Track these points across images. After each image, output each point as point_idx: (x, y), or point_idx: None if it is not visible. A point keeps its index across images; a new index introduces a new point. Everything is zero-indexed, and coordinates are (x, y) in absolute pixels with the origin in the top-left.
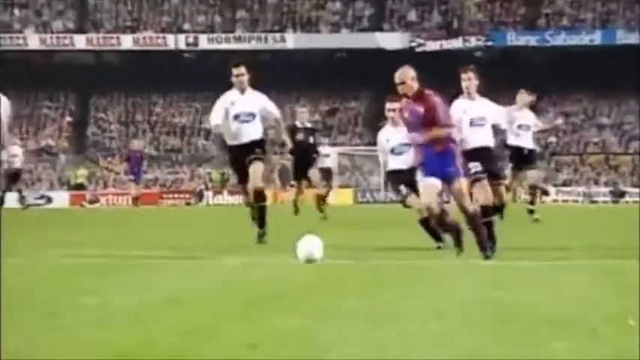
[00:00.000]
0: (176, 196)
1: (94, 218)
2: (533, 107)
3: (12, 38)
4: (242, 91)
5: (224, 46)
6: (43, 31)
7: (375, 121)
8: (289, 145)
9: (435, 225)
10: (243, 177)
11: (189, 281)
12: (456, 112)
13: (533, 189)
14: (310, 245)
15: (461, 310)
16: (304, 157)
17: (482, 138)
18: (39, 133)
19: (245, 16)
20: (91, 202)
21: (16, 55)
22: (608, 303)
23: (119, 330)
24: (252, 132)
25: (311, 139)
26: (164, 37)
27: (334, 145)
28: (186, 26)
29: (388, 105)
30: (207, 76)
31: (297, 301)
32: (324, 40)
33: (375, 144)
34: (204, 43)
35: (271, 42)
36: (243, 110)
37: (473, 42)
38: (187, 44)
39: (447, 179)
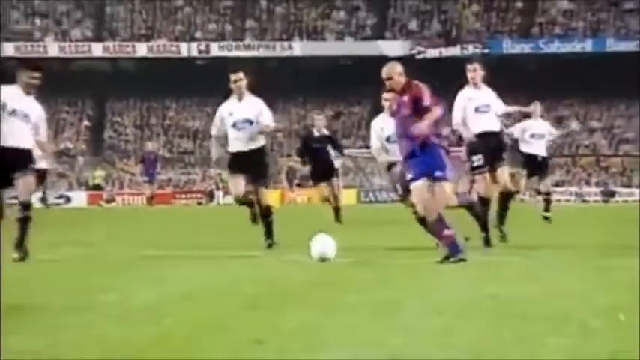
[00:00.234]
0: (188, 196)
1: (110, 217)
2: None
3: (33, 46)
4: (240, 96)
5: (234, 53)
6: (62, 40)
7: None
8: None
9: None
10: (234, 183)
11: (201, 278)
12: (460, 99)
13: (547, 195)
14: (323, 244)
15: (459, 305)
16: (322, 165)
17: (487, 123)
18: (58, 137)
19: (254, 25)
20: (108, 201)
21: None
22: (599, 299)
23: (136, 324)
24: (250, 139)
25: (328, 147)
26: (177, 45)
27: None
28: (198, 35)
29: (385, 95)
30: (218, 82)
31: (302, 297)
32: (329, 47)
33: None
34: (215, 50)
35: (279, 50)
36: (240, 118)
37: (470, 49)
38: (199, 52)
39: (434, 179)
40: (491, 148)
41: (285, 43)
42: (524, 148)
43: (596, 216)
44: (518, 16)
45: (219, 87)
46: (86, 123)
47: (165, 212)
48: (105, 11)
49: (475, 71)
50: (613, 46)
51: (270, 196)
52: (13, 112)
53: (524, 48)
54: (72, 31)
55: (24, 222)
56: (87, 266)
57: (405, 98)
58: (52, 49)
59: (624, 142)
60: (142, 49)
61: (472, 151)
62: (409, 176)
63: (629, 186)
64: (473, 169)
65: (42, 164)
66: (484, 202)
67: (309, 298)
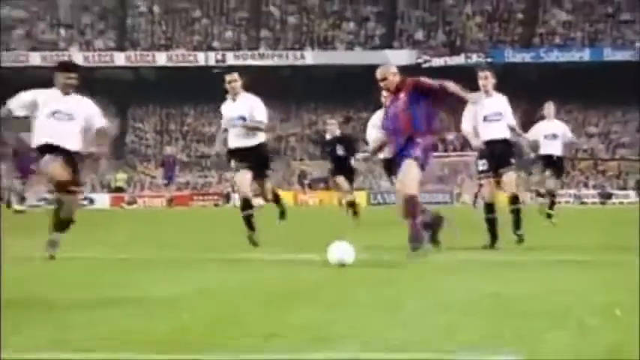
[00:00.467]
0: (205, 198)
1: (132, 218)
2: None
3: (58, 55)
4: (234, 96)
5: (249, 62)
6: (86, 49)
7: None
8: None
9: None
10: (240, 178)
11: (216, 276)
12: (470, 108)
13: (553, 195)
14: (341, 251)
15: (461, 303)
16: (338, 167)
17: (496, 131)
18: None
19: (268, 35)
20: (129, 203)
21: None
22: (596, 297)
23: (155, 319)
24: (247, 136)
25: (340, 150)
26: (195, 55)
27: None
28: (215, 44)
29: (384, 93)
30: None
31: (312, 294)
32: (339, 56)
33: None
34: (231, 59)
35: (292, 59)
36: (235, 115)
37: (474, 58)
38: (216, 61)
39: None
40: (498, 154)
41: (298, 52)
42: (541, 149)
43: (594, 217)
44: (519, 26)
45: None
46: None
47: (183, 213)
48: (126, 22)
49: (486, 79)
50: (610, 55)
51: (284, 197)
52: (55, 113)
53: (525, 57)
54: (95, 41)
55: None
56: (109, 264)
57: (401, 95)
58: (77, 58)
59: (621, 147)
60: (161, 58)
61: (479, 156)
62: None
63: (624, 188)
64: (478, 173)
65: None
66: (488, 206)
67: (318, 295)
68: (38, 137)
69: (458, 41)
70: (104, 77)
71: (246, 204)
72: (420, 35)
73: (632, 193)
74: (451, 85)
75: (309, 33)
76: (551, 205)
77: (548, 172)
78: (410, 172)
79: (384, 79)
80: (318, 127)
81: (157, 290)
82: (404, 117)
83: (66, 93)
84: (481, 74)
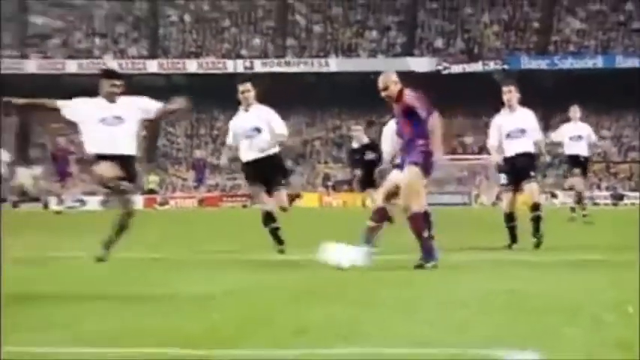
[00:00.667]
0: (234, 199)
1: (164, 219)
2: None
3: (93, 63)
4: (247, 107)
5: (276, 69)
6: (120, 57)
7: None
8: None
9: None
10: (256, 192)
11: (246, 275)
12: (493, 127)
13: (578, 193)
14: (337, 255)
15: (479, 300)
16: (367, 173)
17: (518, 146)
18: None
19: (294, 44)
20: (162, 204)
21: (97, 78)
22: (609, 294)
23: (187, 317)
24: (263, 147)
25: (371, 154)
26: (224, 62)
27: None
28: (243, 52)
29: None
30: (261, 95)
31: (336, 293)
32: (362, 64)
33: None
34: (259, 66)
35: (317, 66)
36: (247, 127)
37: (491, 65)
38: (244, 68)
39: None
40: (519, 167)
41: (322, 60)
42: (567, 149)
43: (606, 217)
44: (535, 34)
45: (261, 100)
46: (143, 133)
47: (213, 214)
48: (158, 31)
49: (510, 92)
50: (622, 62)
51: (309, 199)
52: (104, 120)
53: (540, 64)
54: (129, 49)
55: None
56: (143, 263)
57: (401, 104)
58: (111, 65)
59: (632, 150)
60: (192, 66)
61: (500, 169)
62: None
63: (636, 190)
64: (499, 185)
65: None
66: (508, 216)
67: (342, 294)
68: (91, 146)
69: (476, 49)
70: (137, 84)
71: (269, 217)
72: (439, 43)
73: None
74: (436, 136)
75: (334, 41)
76: (579, 201)
77: (575, 171)
78: (410, 184)
79: (386, 88)
80: (342, 131)
81: (188, 288)
82: (404, 123)
83: (111, 100)
84: (505, 89)
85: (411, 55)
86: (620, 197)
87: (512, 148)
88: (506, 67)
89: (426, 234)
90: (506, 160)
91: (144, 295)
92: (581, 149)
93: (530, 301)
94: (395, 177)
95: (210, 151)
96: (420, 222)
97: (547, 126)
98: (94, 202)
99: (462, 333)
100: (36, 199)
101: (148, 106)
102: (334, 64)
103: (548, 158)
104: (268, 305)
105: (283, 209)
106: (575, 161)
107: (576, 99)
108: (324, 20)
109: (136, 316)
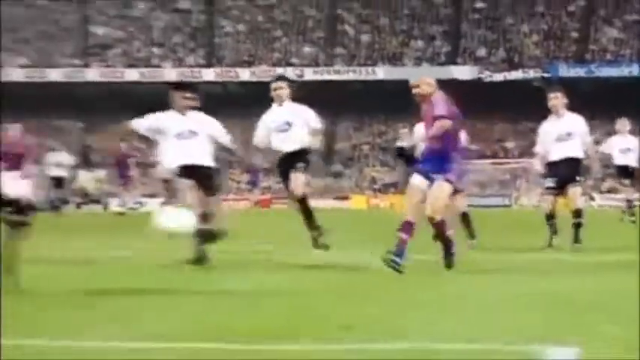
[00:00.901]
0: (283, 201)
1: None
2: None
3: (152, 72)
4: (280, 103)
5: (325, 77)
6: (178, 66)
7: None
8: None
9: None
10: (286, 185)
11: (296, 273)
12: (540, 133)
13: (629, 202)
14: (166, 218)
15: (521, 298)
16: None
17: (566, 150)
18: None
19: (343, 52)
20: None
21: (156, 86)
22: None
23: (239, 313)
24: (291, 141)
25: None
26: (275, 70)
27: None
28: (294, 60)
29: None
30: (311, 102)
31: (383, 291)
32: (408, 72)
33: None
34: (309, 74)
35: (364, 74)
36: (281, 121)
37: (531, 73)
38: (296, 76)
39: (430, 179)
40: (565, 171)
41: (370, 68)
42: (616, 161)
43: None
44: (573, 44)
45: (312, 106)
46: None
47: (265, 214)
48: (214, 41)
49: (557, 99)
50: None
51: (357, 201)
52: (179, 135)
53: (578, 72)
54: (186, 58)
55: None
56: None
57: (428, 108)
58: (170, 74)
59: None
60: (245, 74)
61: (546, 173)
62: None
63: None
64: (543, 190)
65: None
66: (548, 215)
67: (388, 292)
68: (170, 160)
69: (516, 58)
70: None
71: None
72: (482, 52)
73: None
74: (434, 132)
75: (381, 50)
76: (629, 207)
77: (625, 182)
78: (442, 199)
79: (417, 86)
80: (388, 136)
81: (237, 287)
82: (430, 125)
83: (183, 113)
84: (551, 95)
85: (455, 63)
86: None
87: (559, 153)
88: (545, 74)
89: (448, 235)
90: (553, 163)
91: (200, 292)
92: (630, 160)
93: (570, 299)
94: (418, 185)
95: (263, 155)
96: (445, 226)
97: (616, 132)
98: (153, 204)
99: (504, 330)
100: (97, 201)
101: (216, 134)
102: (381, 72)
103: (598, 166)
104: (317, 301)
105: (296, 198)
106: (625, 172)
107: (613, 106)
108: (372, 30)
109: (194, 312)
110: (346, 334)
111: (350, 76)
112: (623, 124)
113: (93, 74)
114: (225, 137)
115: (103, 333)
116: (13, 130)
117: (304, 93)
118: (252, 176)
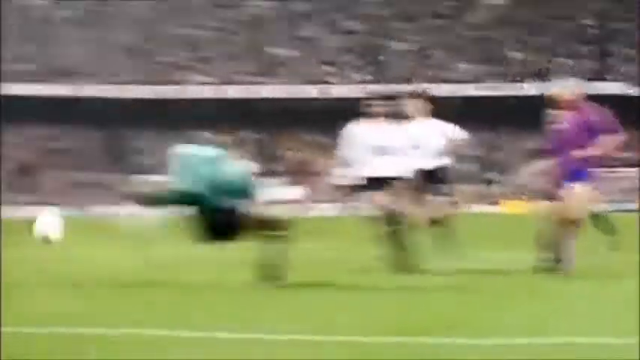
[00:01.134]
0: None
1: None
2: None
3: (321, 89)
4: (413, 119)
5: (483, 92)
6: (347, 83)
7: None
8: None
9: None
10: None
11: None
12: None
13: None
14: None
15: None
16: None
17: None
18: None
19: (498, 70)
20: None
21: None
22: None
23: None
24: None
25: None
26: (430, 87)
27: None
28: (450, 77)
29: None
30: (471, 117)
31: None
32: (556, 87)
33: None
34: (471, 90)
35: (515, 90)
36: (413, 138)
37: None
38: (449, 92)
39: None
40: None
41: (518, 85)
42: None
43: None
44: None
45: (469, 122)
46: None
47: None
48: (378, 59)
49: None
50: None
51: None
52: (377, 145)
53: None
54: (352, 75)
55: None
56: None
57: (573, 116)
58: (339, 90)
59: None
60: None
61: None
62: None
63: None
64: None
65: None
66: None
67: (535, 290)
68: (365, 170)
69: None
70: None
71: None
72: (630, 69)
73: None
74: (601, 149)
75: (530, 67)
76: None
77: None
78: (584, 202)
79: (561, 96)
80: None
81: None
82: (577, 134)
83: (381, 121)
84: None
85: (603, 80)
86: None
87: None
88: None
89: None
90: None
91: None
92: None
93: None
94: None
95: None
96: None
97: None
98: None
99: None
100: None
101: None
102: (531, 88)
103: None
104: (471, 304)
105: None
106: None
107: None
108: (523, 49)
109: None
110: (494, 332)
111: (503, 92)
112: None
113: (269, 91)
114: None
115: (301, 327)
116: None
117: (463, 108)
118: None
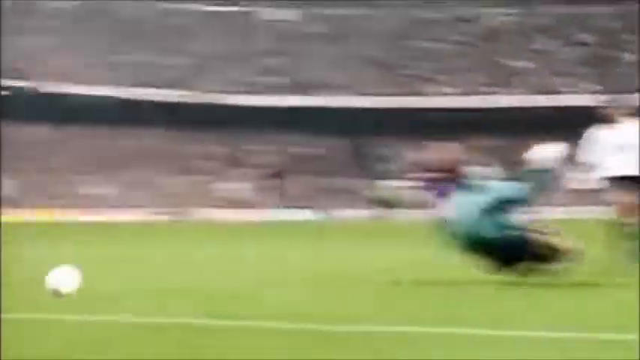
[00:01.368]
0: None
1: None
2: None
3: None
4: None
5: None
6: (578, 93)
7: None
8: None
9: None
10: None
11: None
12: None
13: None
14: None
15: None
16: None
17: None
18: None
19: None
20: None
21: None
22: None
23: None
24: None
25: None
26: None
27: None
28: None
29: None
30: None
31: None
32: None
33: None
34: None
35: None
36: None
37: None
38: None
39: None
40: None
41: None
42: None
43: None
44: None
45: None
46: None
47: None
48: (609, 70)
49: None
50: None
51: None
52: (617, 145)
53: None
54: (581, 84)
55: None
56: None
57: None
58: (568, 100)
59: None
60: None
61: None
62: None
63: None
64: None
65: None
66: None
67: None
68: (605, 170)
69: None
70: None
71: None
72: None
73: None
74: None
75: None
76: None
77: None
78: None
79: None
80: None
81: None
82: None
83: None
84: None
85: None
86: None
87: None
88: None
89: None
90: None
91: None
92: None
93: None
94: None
95: None
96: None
97: None
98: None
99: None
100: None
101: None
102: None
103: None
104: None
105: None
106: None
107: None
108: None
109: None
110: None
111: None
112: None
113: (507, 100)
114: None
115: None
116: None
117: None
118: None
